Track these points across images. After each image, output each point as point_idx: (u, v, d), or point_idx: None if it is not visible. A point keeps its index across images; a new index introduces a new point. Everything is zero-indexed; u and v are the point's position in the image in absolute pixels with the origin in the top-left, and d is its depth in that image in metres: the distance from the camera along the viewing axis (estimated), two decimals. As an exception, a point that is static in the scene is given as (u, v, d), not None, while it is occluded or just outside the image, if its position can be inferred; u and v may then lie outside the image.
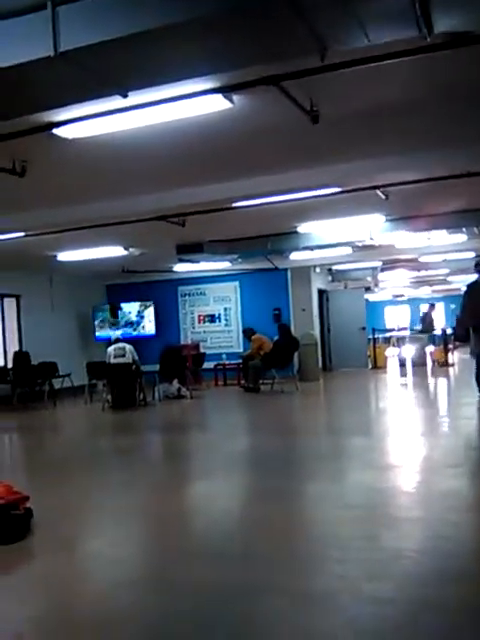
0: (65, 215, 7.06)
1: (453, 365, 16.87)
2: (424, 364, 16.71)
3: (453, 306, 31.34)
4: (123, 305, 15.95)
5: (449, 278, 23.10)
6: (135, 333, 15.44)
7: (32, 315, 13.94)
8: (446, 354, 17.01)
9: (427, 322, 18.38)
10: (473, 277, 10.90)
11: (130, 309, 15.92)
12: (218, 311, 15.84)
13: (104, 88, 3.83)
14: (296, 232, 10.82)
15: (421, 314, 20.08)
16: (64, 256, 11.58)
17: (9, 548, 4.05)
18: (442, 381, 14.28)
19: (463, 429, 8.11)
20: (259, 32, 3.26)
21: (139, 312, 15.83)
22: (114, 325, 15.71)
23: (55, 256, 11.53)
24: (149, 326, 15.68)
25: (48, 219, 7.25)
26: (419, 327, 19.08)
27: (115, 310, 15.86)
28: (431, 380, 14.48)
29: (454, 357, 18.02)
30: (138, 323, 15.77)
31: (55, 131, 4.93)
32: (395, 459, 6.40)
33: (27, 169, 5.87)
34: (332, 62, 3.83)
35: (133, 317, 15.88)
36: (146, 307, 15.81)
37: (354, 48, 3.55)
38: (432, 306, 19.35)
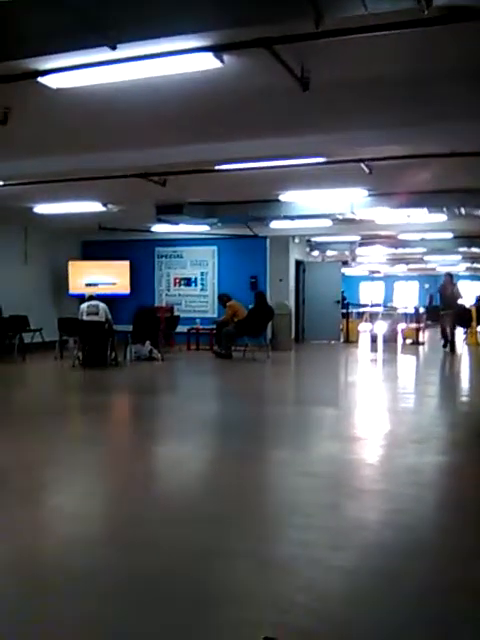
0: (45, 166, 6.90)
1: (423, 344, 17.05)
2: (396, 341, 16.86)
3: (427, 286, 31.67)
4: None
5: (426, 257, 23.21)
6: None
7: (4, 267, 13.71)
8: (417, 332, 17.16)
9: (447, 295, 14.92)
10: (450, 258, 11.09)
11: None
12: (194, 275, 15.76)
13: (93, 38, 3.74)
14: (277, 200, 10.76)
15: (439, 287, 16.15)
16: (41, 208, 11.38)
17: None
18: (411, 358, 14.44)
19: (428, 405, 8.25)
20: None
21: None
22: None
23: (31, 208, 11.33)
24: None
25: (27, 169, 7.08)
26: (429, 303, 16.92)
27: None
28: (400, 357, 14.63)
29: (425, 336, 18.19)
30: None
31: (40, 79, 4.81)
32: (361, 431, 6.48)
33: (9, 117, 5.74)
34: (327, 29, 3.76)
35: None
36: None
37: (350, 16, 3.50)
38: (450, 276, 15.49)
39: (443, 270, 24.91)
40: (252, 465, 5.06)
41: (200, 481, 4.83)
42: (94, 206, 11.03)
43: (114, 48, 3.94)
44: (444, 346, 14.74)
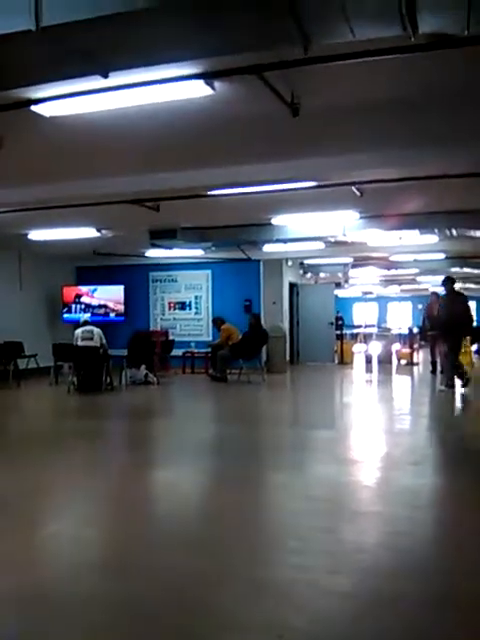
0: (39, 193, 6.95)
1: (418, 364, 17.05)
2: (390, 362, 16.86)
3: (420, 306, 31.76)
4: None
5: (418, 278, 23.32)
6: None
7: (-1, 293, 13.76)
8: (412, 353, 17.18)
9: (434, 316, 12.66)
10: (441, 279, 11.16)
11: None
12: (189, 299, 15.80)
13: (85, 67, 3.78)
14: (270, 224, 10.84)
15: (424, 308, 15.09)
16: (35, 235, 11.43)
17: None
18: (406, 379, 14.43)
19: (423, 426, 8.24)
20: (244, 20, 3.25)
21: None
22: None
23: (26, 234, 11.38)
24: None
25: (21, 196, 7.13)
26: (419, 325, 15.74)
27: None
28: (395, 378, 14.63)
29: (419, 356, 18.20)
30: None
31: (33, 108, 4.86)
32: (357, 454, 6.46)
33: (2, 144, 5.79)
34: (316, 55, 3.82)
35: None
36: None
37: (339, 42, 3.55)
38: (436, 296, 13.81)
39: (436, 291, 24.93)
40: (249, 489, 5.03)
41: (197, 506, 4.80)
42: (88, 232, 11.07)
43: (106, 76, 3.99)
44: (432, 371, 13.71)
